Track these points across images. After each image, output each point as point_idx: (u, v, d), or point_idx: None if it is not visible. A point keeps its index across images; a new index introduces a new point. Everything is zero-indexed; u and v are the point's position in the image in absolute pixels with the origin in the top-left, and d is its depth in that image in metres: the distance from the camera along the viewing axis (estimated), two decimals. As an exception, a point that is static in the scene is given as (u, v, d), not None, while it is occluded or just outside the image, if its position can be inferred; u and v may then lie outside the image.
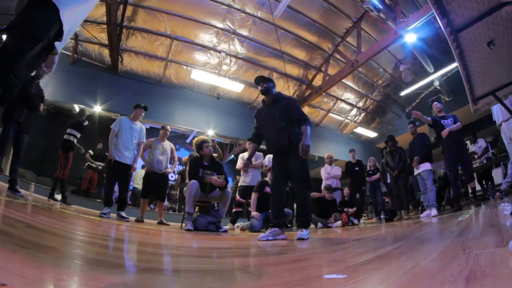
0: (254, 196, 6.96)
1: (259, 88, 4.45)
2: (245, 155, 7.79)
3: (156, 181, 6.95)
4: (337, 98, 14.06)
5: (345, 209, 8.64)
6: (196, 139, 6.44)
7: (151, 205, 11.17)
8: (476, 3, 2.27)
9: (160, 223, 6.87)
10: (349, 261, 1.88)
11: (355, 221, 8.62)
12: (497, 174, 8.85)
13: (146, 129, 7.03)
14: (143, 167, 11.25)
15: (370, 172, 9.69)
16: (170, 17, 9.83)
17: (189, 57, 11.25)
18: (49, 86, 9.27)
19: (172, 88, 12.03)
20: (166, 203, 12.02)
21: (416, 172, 7.66)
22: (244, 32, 10.57)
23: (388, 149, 8.98)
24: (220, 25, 10.27)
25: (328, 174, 9.66)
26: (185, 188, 6.06)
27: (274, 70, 11.75)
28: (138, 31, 10.17)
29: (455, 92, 12.02)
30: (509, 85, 2.80)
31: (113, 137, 6.42)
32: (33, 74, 5.67)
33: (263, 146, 4.96)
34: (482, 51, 2.56)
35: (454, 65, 10.54)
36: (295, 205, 7.71)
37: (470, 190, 7.73)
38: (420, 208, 9.03)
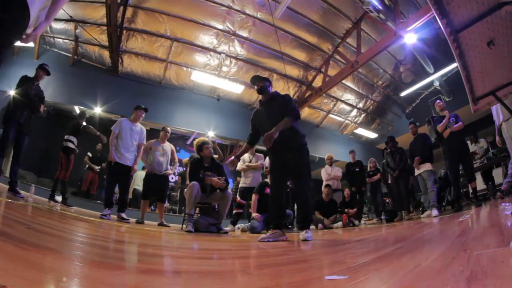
0: (254, 197, 6.95)
1: (255, 87, 4.41)
2: (246, 156, 7.79)
3: (156, 183, 6.95)
4: (337, 99, 14.08)
5: (346, 210, 8.64)
6: (196, 140, 6.44)
7: (152, 207, 11.16)
8: (475, 3, 2.26)
9: (161, 224, 6.87)
10: (350, 262, 1.87)
11: (356, 222, 8.61)
12: (497, 174, 8.84)
13: (147, 130, 7.03)
14: (143, 168, 11.28)
15: (371, 173, 9.70)
16: (170, 18, 9.85)
17: (189, 59, 11.26)
18: (49, 88, 9.29)
19: (172, 89, 12.04)
20: (166, 204, 12.02)
21: (416, 172, 7.67)
22: (244, 33, 10.59)
23: (388, 150, 8.98)
24: (220, 27, 10.29)
25: (329, 175, 9.66)
26: (185, 190, 6.05)
27: (274, 71, 11.77)
28: (138, 33, 10.19)
29: (455, 92, 12.02)
30: (509, 85, 2.80)
31: (113, 138, 6.43)
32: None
33: (263, 148, 4.91)
34: (482, 51, 2.56)
35: (454, 65, 10.55)
36: (295, 206, 7.69)
37: (471, 190, 7.71)
38: (421, 208, 9.03)
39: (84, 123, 7.86)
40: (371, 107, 15.08)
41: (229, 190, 6.25)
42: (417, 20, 7.89)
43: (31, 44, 9.77)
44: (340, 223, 8.19)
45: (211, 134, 12.46)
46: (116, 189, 6.93)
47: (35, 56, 10.08)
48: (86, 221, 4.25)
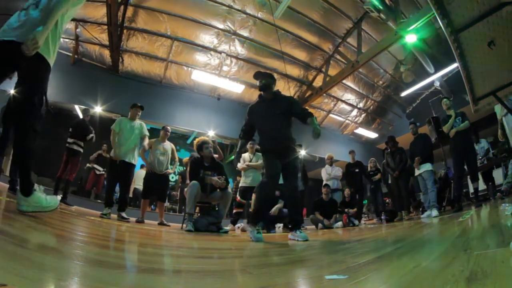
0: (255, 197, 6.94)
1: (258, 83, 4.37)
2: (246, 155, 7.78)
3: (156, 182, 6.96)
4: (338, 99, 14.07)
5: (346, 210, 8.64)
6: (196, 140, 6.45)
7: (152, 206, 11.17)
8: (476, 3, 2.27)
9: (161, 223, 6.88)
10: (350, 262, 1.87)
11: (356, 222, 8.61)
12: (497, 174, 8.85)
13: (147, 129, 7.02)
14: (141, 167, 11.28)
15: (371, 173, 9.69)
16: (171, 17, 9.84)
17: (189, 58, 11.26)
18: (50, 87, 9.13)
19: (172, 88, 12.04)
20: (166, 203, 12.04)
21: (417, 172, 7.67)
22: (245, 33, 10.58)
23: (389, 150, 8.98)
24: (221, 26, 10.28)
25: (329, 175, 9.65)
26: (185, 189, 6.06)
27: (275, 71, 11.73)
28: (139, 32, 10.19)
29: (456, 92, 12.00)
30: (509, 85, 2.80)
31: (114, 137, 6.44)
32: None
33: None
34: (482, 51, 2.56)
35: (454, 65, 10.54)
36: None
37: (472, 190, 7.71)
38: (420, 208, 9.03)
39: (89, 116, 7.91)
40: (371, 107, 15.07)
41: (229, 190, 6.24)
42: (418, 20, 7.88)
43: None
44: (340, 223, 8.18)
45: (211, 133, 12.43)
46: (117, 189, 6.93)
47: (36, 55, 10.06)
48: (86, 220, 4.26)
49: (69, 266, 1.26)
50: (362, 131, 16.08)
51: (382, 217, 8.34)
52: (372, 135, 16.39)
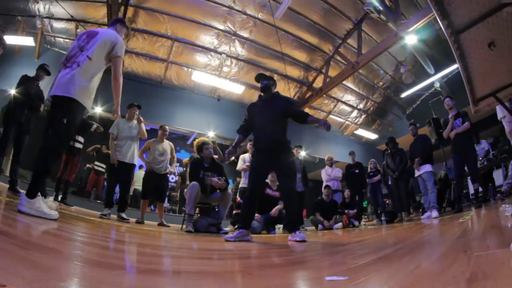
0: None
1: (260, 85, 4.40)
2: (246, 156, 7.78)
3: (155, 182, 6.93)
4: (338, 100, 14.08)
5: (346, 211, 8.63)
6: (196, 140, 6.44)
7: (151, 207, 11.16)
8: (476, 4, 2.26)
9: (161, 224, 6.86)
10: (350, 263, 1.87)
11: (356, 223, 8.60)
12: (497, 175, 8.83)
13: (147, 130, 7.00)
14: (140, 167, 11.27)
15: (371, 173, 9.69)
16: (171, 18, 9.86)
17: (190, 59, 11.27)
18: (49, 88, 9.28)
19: (173, 89, 12.05)
20: (166, 204, 12.02)
21: (417, 173, 7.65)
22: (245, 34, 10.59)
23: (389, 151, 8.97)
24: (221, 27, 10.29)
25: (329, 176, 9.64)
26: (185, 190, 6.05)
27: (275, 71, 11.75)
28: (139, 33, 10.20)
29: (456, 93, 11.91)
30: (510, 86, 2.80)
31: (113, 141, 6.43)
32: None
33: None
34: (482, 52, 2.56)
35: (454, 66, 10.55)
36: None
37: (473, 191, 7.69)
38: (420, 209, 9.02)
39: (95, 124, 7.86)
40: (371, 108, 15.07)
41: (229, 191, 6.24)
42: (418, 21, 7.90)
43: (31, 43, 9.80)
44: (340, 224, 8.17)
45: (211, 134, 12.43)
46: (117, 189, 6.92)
47: (36, 55, 10.10)
48: (86, 220, 4.26)
49: (69, 267, 1.26)
50: (362, 132, 16.07)
51: (382, 218, 8.33)
52: (372, 136, 16.39)
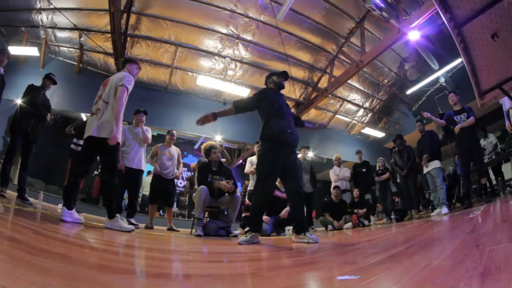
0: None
1: (283, 81, 4.47)
2: (253, 158, 7.78)
3: (163, 187, 6.94)
4: (344, 99, 14.06)
5: (355, 210, 8.59)
6: (204, 144, 6.45)
7: (160, 212, 11.19)
8: (478, -4, 2.25)
9: (170, 229, 6.87)
10: (361, 262, 1.86)
11: (366, 222, 8.56)
12: (506, 169, 8.76)
13: (154, 136, 7.02)
14: (148, 173, 11.31)
15: (380, 172, 9.64)
16: (174, 24, 9.91)
17: (194, 63, 11.31)
18: (56, 96, 9.40)
19: (178, 94, 12.10)
20: (175, 209, 12.04)
21: (425, 170, 7.60)
22: (248, 37, 10.61)
23: (396, 149, 8.91)
24: (224, 31, 10.32)
25: (337, 176, 9.61)
26: (194, 194, 6.05)
27: (279, 73, 11.74)
28: (143, 39, 10.27)
29: (461, 88, 11.81)
30: (516, 78, 2.78)
31: (120, 148, 6.45)
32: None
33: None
34: (486, 44, 2.54)
35: (459, 60, 10.52)
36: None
37: (482, 186, 7.63)
38: (430, 207, 8.96)
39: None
40: (377, 106, 15.03)
41: (238, 193, 6.23)
42: (420, 16, 7.84)
43: (36, 54, 9.89)
44: (349, 224, 8.14)
45: (218, 138, 12.46)
46: (125, 196, 6.94)
47: (41, 65, 10.20)
48: (95, 227, 4.27)
49: (77, 272, 1.26)
50: (369, 131, 16.00)
51: (392, 217, 8.28)
52: (379, 134, 16.31)
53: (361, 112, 15.14)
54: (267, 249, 3.33)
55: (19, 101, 6.03)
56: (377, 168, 9.82)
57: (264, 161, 4.13)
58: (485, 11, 2.31)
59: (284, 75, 4.48)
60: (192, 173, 10.68)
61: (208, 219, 6.35)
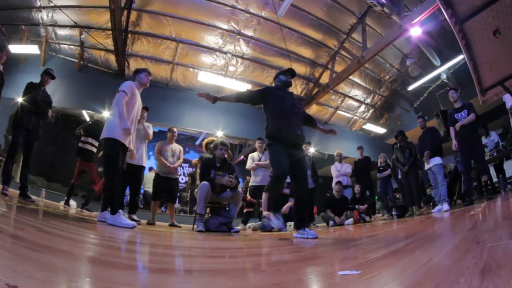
0: (265, 196, 6.91)
1: (289, 79, 4.49)
2: (255, 155, 7.78)
3: (166, 183, 6.95)
4: (345, 95, 14.04)
5: (356, 206, 8.60)
6: (208, 140, 6.48)
7: (162, 208, 11.20)
8: (480, -8, 2.25)
9: (172, 225, 6.89)
10: (362, 258, 1.87)
11: (367, 218, 8.57)
12: (508, 166, 8.74)
13: (155, 132, 7.02)
14: (150, 169, 11.32)
15: (381, 168, 9.63)
16: (175, 20, 9.89)
17: (195, 60, 11.31)
18: (57, 93, 9.39)
19: (179, 91, 12.10)
20: (177, 205, 12.06)
21: (426, 166, 7.59)
22: (249, 33, 10.59)
23: (398, 145, 8.90)
24: (225, 26, 10.30)
25: (338, 171, 9.62)
26: (195, 190, 6.06)
27: (281, 69, 11.64)
28: (143, 36, 10.26)
29: (463, 84, 11.84)
30: (518, 74, 2.77)
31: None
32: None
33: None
34: (488, 40, 2.54)
35: (460, 57, 10.48)
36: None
37: (483, 183, 7.62)
38: (431, 203, 8.95)
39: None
40: (379, 102, 15.00)
41: (240, 189, 6.23)
42: (422, 12, 7.82)
43: (37, 51, 9.88)
44: (351, 220, 8.16)
45: (220, 134, 12.47)
46: (127, 192, 6.96)
47: (41, 63, 10.19)
48: (97, 223, 4.28)
49: (80, 268, 1.27)
50: (370, 127, 15.98)
51: (393, 213, 8.28)
52: (381, 130, 16.29)
53: (362, 108, 15.12)
54: (268, 244, 3.34)
55: (20, 99, 6.03)
56: (379, 165, 9.81)
57: (273, 156, 4.09)
58: (487, 8, 2.30)
59: (291, 73, 4.49)
60: (194, 169, 10.71)
61: (209, 215, 6.36)
